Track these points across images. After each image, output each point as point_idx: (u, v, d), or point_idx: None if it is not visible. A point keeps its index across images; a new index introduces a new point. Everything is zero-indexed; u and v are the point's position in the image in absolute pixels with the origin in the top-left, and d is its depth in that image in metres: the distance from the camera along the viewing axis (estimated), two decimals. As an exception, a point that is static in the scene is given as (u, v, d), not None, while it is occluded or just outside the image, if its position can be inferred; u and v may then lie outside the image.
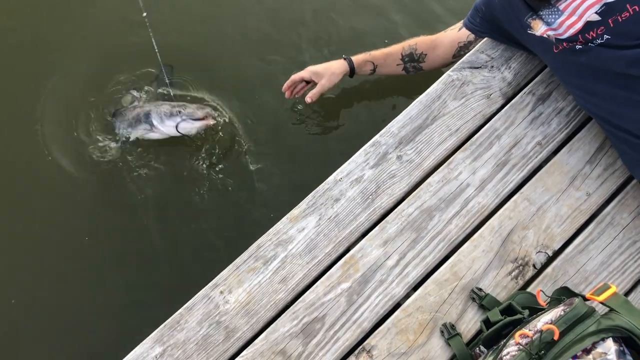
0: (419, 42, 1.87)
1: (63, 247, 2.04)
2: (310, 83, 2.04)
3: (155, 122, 2.07)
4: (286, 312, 1.41)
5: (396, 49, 1.91)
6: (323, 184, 1.53)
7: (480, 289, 1.38)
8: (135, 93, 2.26)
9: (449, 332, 1.33)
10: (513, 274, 1.41)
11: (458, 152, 1.56)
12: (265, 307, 1.41)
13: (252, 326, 1.40)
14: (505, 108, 1.60)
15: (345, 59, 1.98)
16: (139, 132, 2.14)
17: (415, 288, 1.42)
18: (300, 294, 1.43)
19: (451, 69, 1.67)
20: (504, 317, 1.19)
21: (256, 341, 1.38)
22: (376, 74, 2.01)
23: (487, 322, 1.24)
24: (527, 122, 1.58)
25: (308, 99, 1.95)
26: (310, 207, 1.51)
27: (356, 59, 1.97)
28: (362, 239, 1.47)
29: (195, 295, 1.43)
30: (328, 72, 1.94)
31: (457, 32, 1.78)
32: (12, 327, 1.93)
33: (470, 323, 1.36)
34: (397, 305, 1.41)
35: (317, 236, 1.48)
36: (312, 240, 1.47)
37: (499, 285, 1.40)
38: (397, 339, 1.36)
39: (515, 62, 1.67)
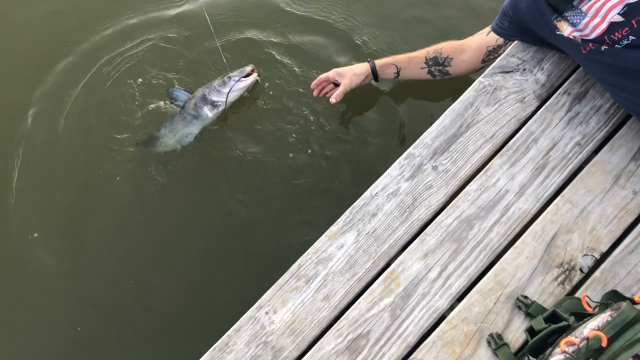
0: (444, 46, 1.88)
1: (107, 269, 2.12)
2: (337, 86, 2.09)
3: (214, 98, 2.22)
4: (330, 329, 1.42)
5: (421, 52, 1.94)
6: (359, 199, 1.55)
7: (525, 297, 1.35)
8: (176, 92, 2.34)
9: (496, 343, 1.30)
10: (559, 279, 1.38)
11: (495, 158, 1.54)
12: (309, 325, 1.43)
13: (298, 345, 1.42)
14: (541, 110, 1.57)
15: (368, 61, 2.03)
16: (204, 117, 2.25)
17: (459, 299, 1.41)
18: (344, 310, 1.44)
19: (482, 75, 1.66)
20: (548, 325, 1.16)
21: (303, 360, 1.40)
22: (401, 77, 2.04)
23: (531, 331, 1.22)
24: (564, 123, 1.54)
25: (332, 99, 2.02)
26: (348, 223, 1.52)
27: (379, 62, 2.02)
28: (402, 253, 1.47)
29: (242, 317, 1.46)
30: (350, 73, 2.02)
31: (485, 37, 1.76)
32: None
33: (517, 332, 1.33)
34: (442, 318, 1.40)
35: (357, 252, 1.49)
36: (352, 257, 1.48)
37: (545, 292, 1.37)
38: (444, 352, 1.35)
39: (548, 63, 1.64)
